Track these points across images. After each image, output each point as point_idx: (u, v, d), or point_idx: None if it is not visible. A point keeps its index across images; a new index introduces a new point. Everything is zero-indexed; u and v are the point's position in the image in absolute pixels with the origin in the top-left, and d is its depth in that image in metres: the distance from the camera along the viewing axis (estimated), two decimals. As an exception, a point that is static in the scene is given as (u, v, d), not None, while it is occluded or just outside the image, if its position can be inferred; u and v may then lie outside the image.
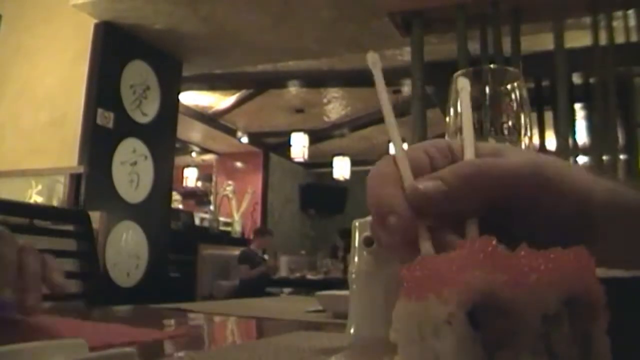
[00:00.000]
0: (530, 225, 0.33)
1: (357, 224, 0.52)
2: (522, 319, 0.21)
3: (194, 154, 7.50)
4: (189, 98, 5.42)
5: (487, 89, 0.50)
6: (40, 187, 3.44)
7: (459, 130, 0.48)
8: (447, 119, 0.50)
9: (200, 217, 6.53)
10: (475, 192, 0.32)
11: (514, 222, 0.33)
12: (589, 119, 2.83)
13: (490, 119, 0.48)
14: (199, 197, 7.39)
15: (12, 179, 3.51)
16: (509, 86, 0.50)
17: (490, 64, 2.29)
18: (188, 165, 7.50)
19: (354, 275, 0.51)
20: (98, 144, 3.41)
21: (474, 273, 0.21)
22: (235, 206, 6.88)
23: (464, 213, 0.32)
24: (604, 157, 2.43)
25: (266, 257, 5.36)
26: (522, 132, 0.48)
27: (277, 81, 5.20)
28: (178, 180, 6.43)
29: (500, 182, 0.32)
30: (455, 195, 0.31)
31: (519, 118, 0.49)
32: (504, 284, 0.21)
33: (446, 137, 0.50)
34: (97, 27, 3.52)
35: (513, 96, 0.49)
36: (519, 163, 0.33)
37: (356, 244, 0.50)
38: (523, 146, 0.48)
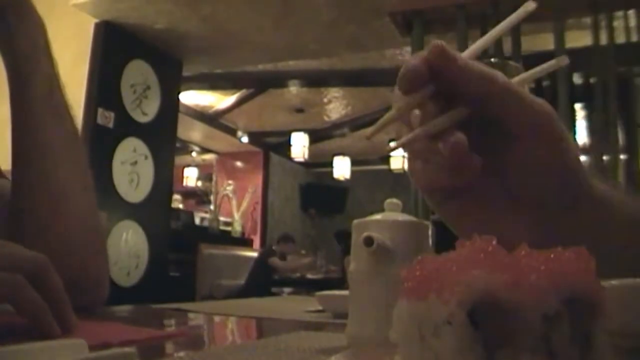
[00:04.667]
0: (518, 159, 0.35)
1: (356, 224, 0.52)
2: (522, 319, 0.21)
3: (194, 154, 7.49)
4: (189, 98, 5.42)
5: None
6: (40, 186, 3.43)
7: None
8: None
9: (200, 216, 6.53)
10: (480, 81, 0.34)
11: (506, 148, 0.35)
12: (590, 119, 2.83)
13: None
14: (199, 197, 7.38)
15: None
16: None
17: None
18: (188, 165, 7.49)
19: (354, 275, 0.51)
20: (98, 144, 3.41)
21: (475, 273, 0.21)
22: (236, 206, 6.88)
23: (461, 94, 0.34)
24: (604, 157, 2.43)
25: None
26: None
27: (278, 81, 5.20)
28: (178, 179, 6.42)
29: (509, 97, 0.34)
30: (466, 71, 0.34)
31: None
32: (504, 284, 0.21)
33: None
34: (98, 26, 3.52)
35: None
36: (541, 101, 0.35)
37: (356, 244, 0.50)
38: None
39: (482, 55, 0.39)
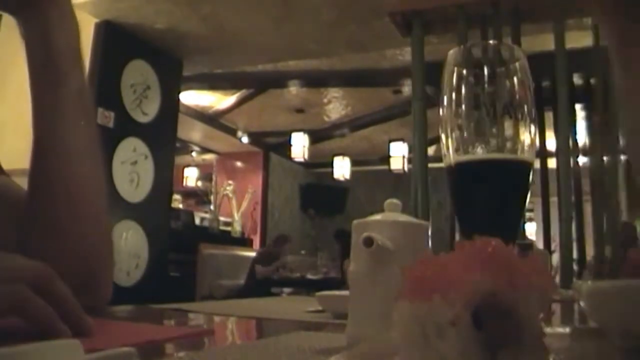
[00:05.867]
0: None
1: (356, 224, 0.52)
2: (523, 319, 0.21)
3: (194, 154, 7.50)
4: (190, 98, 5.42)
5: (486, 70, 0.47)
6: (40, 186, 3.43)
7: (457, 125, 0.46)
8: (441, 110, 0.46)
9: (200, 216, 6.53)
10: None
11: None
12: (590, 119, 2.83)
13: (489, 101, 0.45)
14: (199, 197, 7.38)
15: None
16: (510, 67, 0.46)
17: (491, 64, 2.28)
18: (188, 165, 7.50)
19: (353, 276, 0.51)
20: (98, 144, 3.41)
21: (480, 275, 0.21)
22: (236, 206, 6.88)
23: None
24: (604, 158, 2.43)
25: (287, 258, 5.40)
26: (524, 115, 0.44)
27: (278, 81, 5.20)
28: (178, 179, 6.42)
29: None
30: None
31: (521, 100, 0.45)
32: (507, 285, 0.21)
33: (441, 133, 0.46)
34: (98, 26, 3.52)
35: (515, 78, 0.46)
36: None
37: (356, 245, 0.50)
38: (523, 133, 0.44)
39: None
